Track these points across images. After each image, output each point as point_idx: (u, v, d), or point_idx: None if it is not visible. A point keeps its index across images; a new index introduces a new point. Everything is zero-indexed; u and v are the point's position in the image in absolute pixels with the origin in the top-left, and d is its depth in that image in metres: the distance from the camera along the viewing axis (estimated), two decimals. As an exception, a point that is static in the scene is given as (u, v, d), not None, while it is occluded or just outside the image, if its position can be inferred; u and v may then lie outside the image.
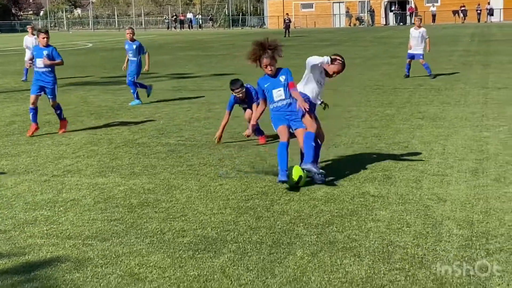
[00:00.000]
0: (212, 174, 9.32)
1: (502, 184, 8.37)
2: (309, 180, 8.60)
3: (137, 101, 16.95)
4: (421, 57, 21.40)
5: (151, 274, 5.83)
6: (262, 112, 9.12)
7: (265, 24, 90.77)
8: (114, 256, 6.27)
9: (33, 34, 23.73)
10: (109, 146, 11.56)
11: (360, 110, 14.52)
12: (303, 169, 8.43)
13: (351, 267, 5.86)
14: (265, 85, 8.75)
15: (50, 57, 12.83)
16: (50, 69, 12.95)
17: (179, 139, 12.05)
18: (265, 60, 8.64)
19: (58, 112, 13.18)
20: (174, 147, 11.28)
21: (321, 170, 8.52)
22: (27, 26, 27.44)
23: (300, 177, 8.37)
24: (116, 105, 16.90)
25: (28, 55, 22.82)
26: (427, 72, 21.09)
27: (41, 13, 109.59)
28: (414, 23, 22.29)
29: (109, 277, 5.78)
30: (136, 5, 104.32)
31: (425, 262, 5.92)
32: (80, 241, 6.72)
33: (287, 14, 70.11)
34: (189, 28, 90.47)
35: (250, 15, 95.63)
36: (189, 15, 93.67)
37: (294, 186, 8.38)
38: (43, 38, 12.93)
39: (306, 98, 8.62)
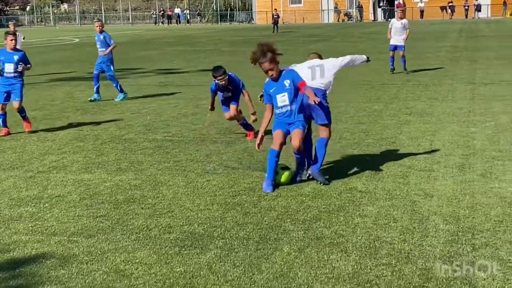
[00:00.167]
0: (199, 170, 9.29)
1: (488, 180, 8.38)
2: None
3: (122, 95, 16.85)
4: (403, 48, 21.55)
5: (137, 270, 5.79)
6: (270, 120, 8.63)
7: (253, 20, 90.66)
8: (99, 252, 6.24)
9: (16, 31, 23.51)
10: (95, 142, 11.50)
11: (348, 106, 14.52)
12: (309, 175, 8.49)
13: (338, 263, 5.85)
14: (271, 90, 8.37)
15: (25, 62, 12.34)
16: (20, 73, 12.38)
17: (166, 135, 12.01)
18: (264, 65, 8.27)
19: (23, 114, 12.57)
20: (161, 143, 11.23)
21: (326, 177, 8.44)
22: (9, 23, 26.96)
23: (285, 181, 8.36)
24: (102, 100, 16.81)
25: None
26: (402, 66, 21.30)
27: (28, 8, 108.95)
28: (396, 14, 22.40)
29: (95, 273, 5.74)
30: (123, 0, 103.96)
31: (412, 257, 5.92)
32: (65, 237, 6.67)
33: (275, 9, 70.08)
34: (176, 23, 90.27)
35: (238, 10, 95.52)
36: (177, 10, 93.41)
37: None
38: (11, 40, 12.31)
39: (318, 91, 8.47)
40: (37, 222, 7.19)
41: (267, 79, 8.48)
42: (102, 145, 11.22)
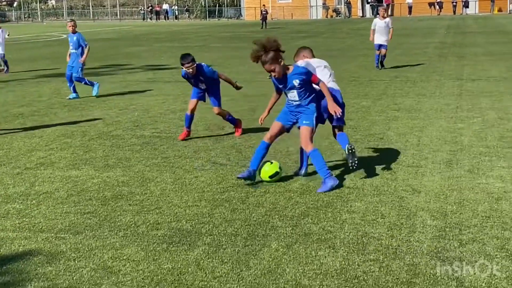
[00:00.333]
0: (187, 167, 9.28)
1: (475, 175, 8.42)
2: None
3: (96, 91, 16.61)
4: (386, 48, 21.73)
5: (125, 267, 5.78)
6: (275, 102, 8.60)
7: (242, 16, 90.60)
8: (87, 249, 6.22)
9: None
10: (82, 138, 11.46)
11: (336, 102, 14.50)
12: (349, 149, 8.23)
13: (325, 259, 5.86)
14: (280, 86, 8.20)
15: None
16: None
17: (154, 131, 11.99)
18: (266, 66, 7.94)
19: None
20: (149, 139, 11.21)
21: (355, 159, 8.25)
22: None
23: (272, 175, 8.32)
24: (90, 97, 16.75)
25: None
26: (381, 60, 21.54)
27: (15, 4, 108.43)
28: (379, 13, 22.48)
29: (82, 270, 5.72)
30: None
31: (399, 253, 5.93)
32: (52, 234, 6.65)
33: (264, 5, 70.05)
34: (165, 19, 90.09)
35: (227, 6, 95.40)
36: (165, 6, 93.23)
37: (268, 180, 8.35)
38: None
39: (337, 92, 8.39)
40: (24, 219, 7.16)
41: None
42: (90, 141, 11.19)
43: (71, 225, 6.92)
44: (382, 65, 21.68)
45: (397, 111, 13.39)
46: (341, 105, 8.33)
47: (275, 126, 8.32)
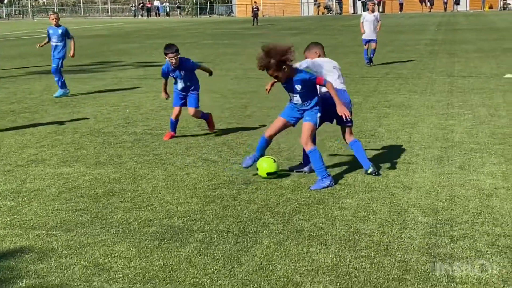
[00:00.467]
0: (178, 163, 9.27)
1: (466, 172, 8.44)
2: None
3: (61, 91, 16.31)
4: (375, 41, 21.83)
5: (116, 264, 5.77)
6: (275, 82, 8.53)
7: (233, 12, 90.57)
8: (78, 246, 6.21)
9: None
10: (74, 135, 11.44)
11: (327, 99, 14.52)
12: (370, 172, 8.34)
13: (317, 255, 5.87)
14: (283, 86, 8.14)
15: None
16: None
17: (145, 128, 11.97)
18: (269, 72, 7.88)
19: None
20: (140, 136, 11.20)
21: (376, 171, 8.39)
22: None
23: (269, 173, 8.32)
24: (81, 94, 16.72)
25: None
26: (370, 56, 21.53)
27: (5, 0, 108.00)
28: (368, 7, 22.56)
29: (74, 267, 5.72)
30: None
31: (390, 250, 5.95)
32: (44, 231, 6.63)
33: (255, 2, 69.96)
34: (156, 16, 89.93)
35: (218, 3, 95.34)
36: (156, 3, 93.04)
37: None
38: None
39: (345, 94, 8.37)
40: (15, 216, 7.14)
41: None
42: (81, 138, 11.17)
43: (62, 222, 6.91)
44: (371, 61, 21.72)
45: (388, 107, 13.42)
46: (348, 105, 8.32)
47: (277, 122, 8.33)
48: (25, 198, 7.80)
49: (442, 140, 10.28)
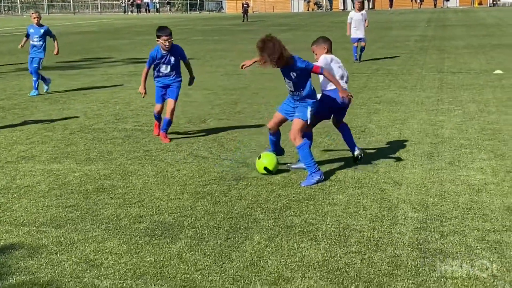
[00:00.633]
0: (169, 160, 9.26)
1: (456, 168, 8.47)
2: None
3: (36, 92, 16.00)
4: (365, 40, 21.84)
5: (107, 260, 5.77)
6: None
7: (223, 9, 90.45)
8: (69, 242, 6.19)
9: None
10: (64, 131, 11.40)
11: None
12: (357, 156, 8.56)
13: (308, 251, 5.88)
14: (280, 70, 8.15)
15: None
16: None
17: (135, 124, 11.95)
18: (263, 64, 8.00)
19: None
20: (130, 133, 11.17)
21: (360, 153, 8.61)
22: None
23: (266, 168, 8.31)
24: (71, 90, 16.67)
25: None
26: (358, 54, 21.74)
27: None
28: (355, 6, 22.53)
29: (64, 264, 5.70)
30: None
31: (381, 245, 5.97)
32: (34, 228, 6.62)
33: (245, -2, 69.87)
34: (146, 12, 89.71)
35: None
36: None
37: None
38: None
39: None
40: (5, 213, 7.11)
41: None
42: (71, 135, 11.13)
43: (52, 218, 6.89)
44: (359, 58, 21.74)
45: (378, 104, 13.44)
46: (348, 104, 8.56)
47: (275, 116, 8.44)
48: (15, 195, 7.77)
49: (432, 136, 10.31)
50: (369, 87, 15.82)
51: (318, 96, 8.38)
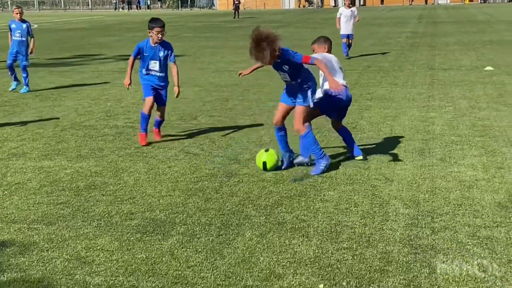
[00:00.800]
0: (160, 156, 9.25)
1: (447, 164, 8.50)
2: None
3: (27, 88, 15.99)
4: (353, 37, 22.01)
5: (98, 257, 5.76)
6: (258, 68, 8.74)
7: (214, 5, 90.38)
8: (60, 240, 6.18)
9: None
10: (55, 128, 11.37)
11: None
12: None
13: (299, 247, 5.88)
14: (272, 66, 8.19)
15: None
16: None
17: (126, 121, 11.93)
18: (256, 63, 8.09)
19: None
20: (121, 130, 11.15)
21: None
22: None
23: (264, 163, 8.30)
24: (62, 87, 16.62)
25: None
26: (347, 50, 21.84)
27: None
28: (345, 2, 22.65)
29: (55, 261, 5.69)
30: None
31: (372, 241, 5.98)
32: (25, 225, 6.60)
33: (236, -5, 69.83)
34: (137, 8, 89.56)
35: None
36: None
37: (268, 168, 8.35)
38: None
39: (345, 93, 8.53)
40: (-4, 210, 7.09)
41: None
42: (62, 131, 11.10)
43: (44, 215, 6.88)
44: (347, 55, 21.85)
45: (369, 100, 13.46)
46: (349, 102, 8.70)
47: (279, 107, 8.44)
48: (6, 192, 7.75)
49: (423, 132, 10.34)
50: (360, 84, 15.84)
51: (319, 91, 8.45)
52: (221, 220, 6.63)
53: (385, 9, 69.89)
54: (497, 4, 74.32)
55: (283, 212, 6.81)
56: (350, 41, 21.89)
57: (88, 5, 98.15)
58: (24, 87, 15.98)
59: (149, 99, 10.03)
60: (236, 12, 58.70)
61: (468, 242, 5.92)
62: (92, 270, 5.49)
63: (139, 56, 10.08)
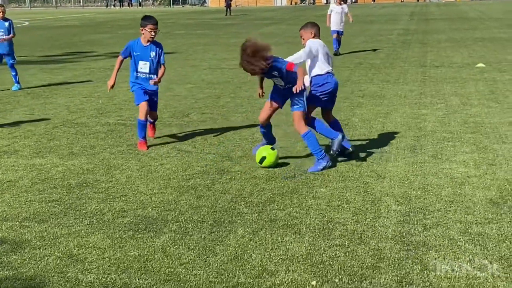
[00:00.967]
0: (152, 154, 9.24)
1: (439, 161, 8.52)
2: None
3: (18, 86, 15.90)
4: (342, 34, 22.13)
5: (91, 255, 5.75)
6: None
7: (206, 3, 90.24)
8: (52, 237, 6.17)
9: None
10: (46, 126, 11.34)
11: (301, 89, 14.55)
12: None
13: (291, 244, 5.89)
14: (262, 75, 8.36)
15: None
16: None
17: (118, 118, 11.91)
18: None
19: None
20: (113, 127, 11.14)
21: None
22: None
23: (263, 158, 8.31)
24: (53, 84, 16.58)
25: None
26: (337, 46, 21.93)
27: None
28: (336, 0, 22.68)
29: (47, 258, 5.68)
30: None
31: (364, 238, 5.99)
32: (17, 223, 6.58)
33: (228, -8, 69.74)
34: (128, 6, 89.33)
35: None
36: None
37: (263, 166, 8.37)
38: None
39: (332, 79, 8.63)
40: (-13, 208, 7.07)
41: None
42: (54, 129, 11.08)
43: (35, 213, 6.86)
44: (338, 51, 21.92)
45: (361, 97, 13.47)
46: (336, 87, 8.82)
47: (266, 106, 8.48)
48: (-3, 190, 7.73)
49: (415, 129, 10.36)
50: (352, 81, 15.86)
51: (307, 78, 8.48)
52: (213, 217, 6.63)
53: (376, 6, 69.95)
54: (488, 1, 74.47)
55: (275, 209, 6.82)
56: (340, 37, 22.02)
57: (80, 2, 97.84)
58: (15, 84, 15.92)
59: (143, 105, 9.51)
60: (228, 9, 58.64)
61: (460, 238, 5.94)
62: (85, 268, 5.48)
63: (128, 56, 9.77)
